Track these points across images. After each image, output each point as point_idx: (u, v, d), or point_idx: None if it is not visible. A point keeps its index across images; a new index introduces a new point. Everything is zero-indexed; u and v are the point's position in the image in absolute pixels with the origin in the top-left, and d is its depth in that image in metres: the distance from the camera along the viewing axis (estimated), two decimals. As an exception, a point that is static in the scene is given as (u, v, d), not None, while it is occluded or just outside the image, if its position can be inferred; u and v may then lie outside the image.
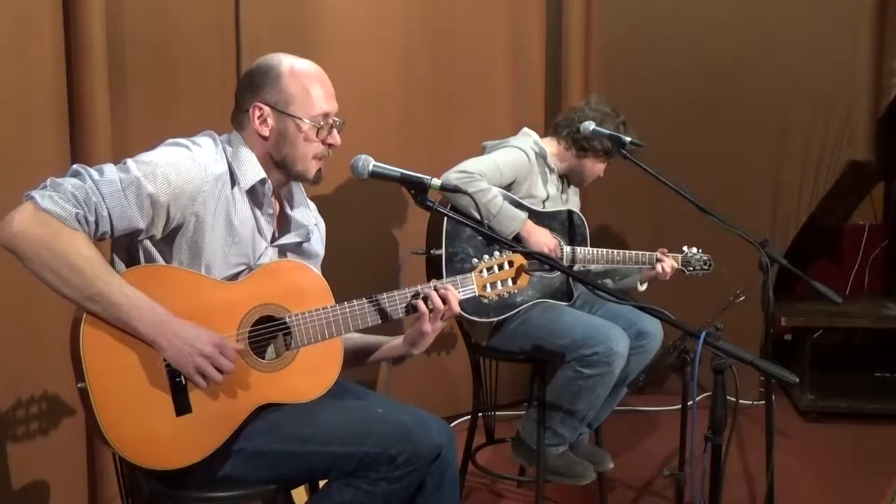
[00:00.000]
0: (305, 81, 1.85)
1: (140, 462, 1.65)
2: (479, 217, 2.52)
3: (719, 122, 3.97)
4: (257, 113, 1.84)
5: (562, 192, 2.92)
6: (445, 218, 2.61)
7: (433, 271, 2.65)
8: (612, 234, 4.02)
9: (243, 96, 1.87)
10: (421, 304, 1.89)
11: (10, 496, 2.47)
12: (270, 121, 1.85)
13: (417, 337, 1.95)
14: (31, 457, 2.48)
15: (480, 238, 2.63)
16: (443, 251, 2.62)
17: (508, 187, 2.74)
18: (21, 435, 2.48)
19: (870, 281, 4.48)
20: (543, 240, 2.68)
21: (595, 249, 2.82)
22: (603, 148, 2.80)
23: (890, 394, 3.88)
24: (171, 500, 1.75)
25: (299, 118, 1.84)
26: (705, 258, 2.96)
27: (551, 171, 2.87)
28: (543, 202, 2.80)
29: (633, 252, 2.85)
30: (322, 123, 1.86)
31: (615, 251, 2.84)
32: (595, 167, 2.90)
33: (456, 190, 2.17)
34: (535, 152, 2.81)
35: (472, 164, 2.66)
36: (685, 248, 2.96)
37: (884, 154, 4.08)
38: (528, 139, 2.86)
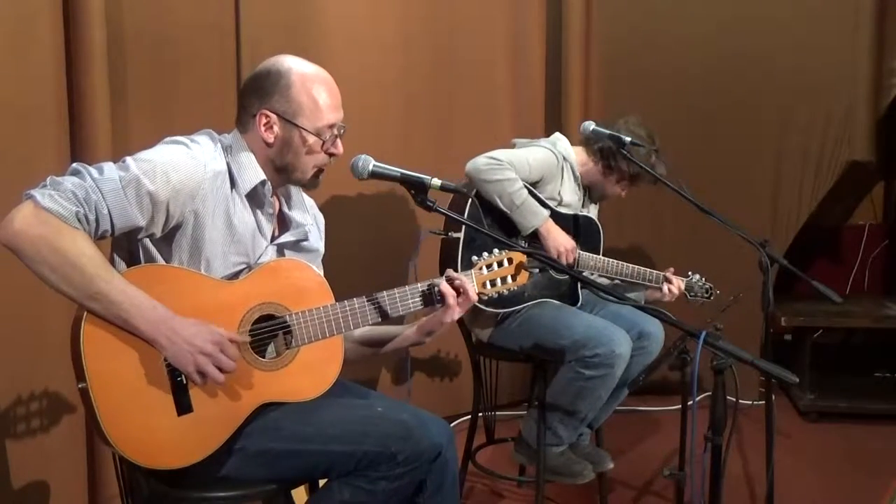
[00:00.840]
0: (315, 91, 1.84)
1: (141, 462, 1.65)
2: (500, 204, 2.52)
3: (719, 122, 3.97)
4: (264, 120, 1.84)
5: (583, 204, 2.92)
6: (468, 202, 2.62)
7: (448, 254, 2.64)
8: (611, 235, 4.00)
9: (250, 100, 1.87)
10: (449, 294, 1.89)
11: (10, 496, 2.47)
12: (276, 129, 1.84)
13: (437, 326, 1.97)
14: (31, 456, 2.48)
15: (499, 228, 2.62)
16: (461, 234, 2.60)
17: (534, 185, 2.74)
18: (21, 434, 2.48)
19: (870, 281, 4.48)
20: (561, 240, 2.68)
21: (603, 259, 2.81)
22: (630, 172, 2.78)
23: (890, 394, 3.88)
24: (171, 499, 1.75)
25: (306, 130, 1.83)
26: (708, 286, 2.96)
27: (575, 179, 2.86)
28: (557, 205, 2.79)
29: (641, 269, 2.84)
30: (327, 136, 1.86)
31: (623, 264, 2.82)
32: (616, 188, 2.90)
33: (455, 190, 2.16)
34: (563, 156, 2.81)
35: (503, 153, 2.66)
36: (690, 273, 2.95)
37: (884, 154, 4.07)
38: (556, 143, 2.86)
